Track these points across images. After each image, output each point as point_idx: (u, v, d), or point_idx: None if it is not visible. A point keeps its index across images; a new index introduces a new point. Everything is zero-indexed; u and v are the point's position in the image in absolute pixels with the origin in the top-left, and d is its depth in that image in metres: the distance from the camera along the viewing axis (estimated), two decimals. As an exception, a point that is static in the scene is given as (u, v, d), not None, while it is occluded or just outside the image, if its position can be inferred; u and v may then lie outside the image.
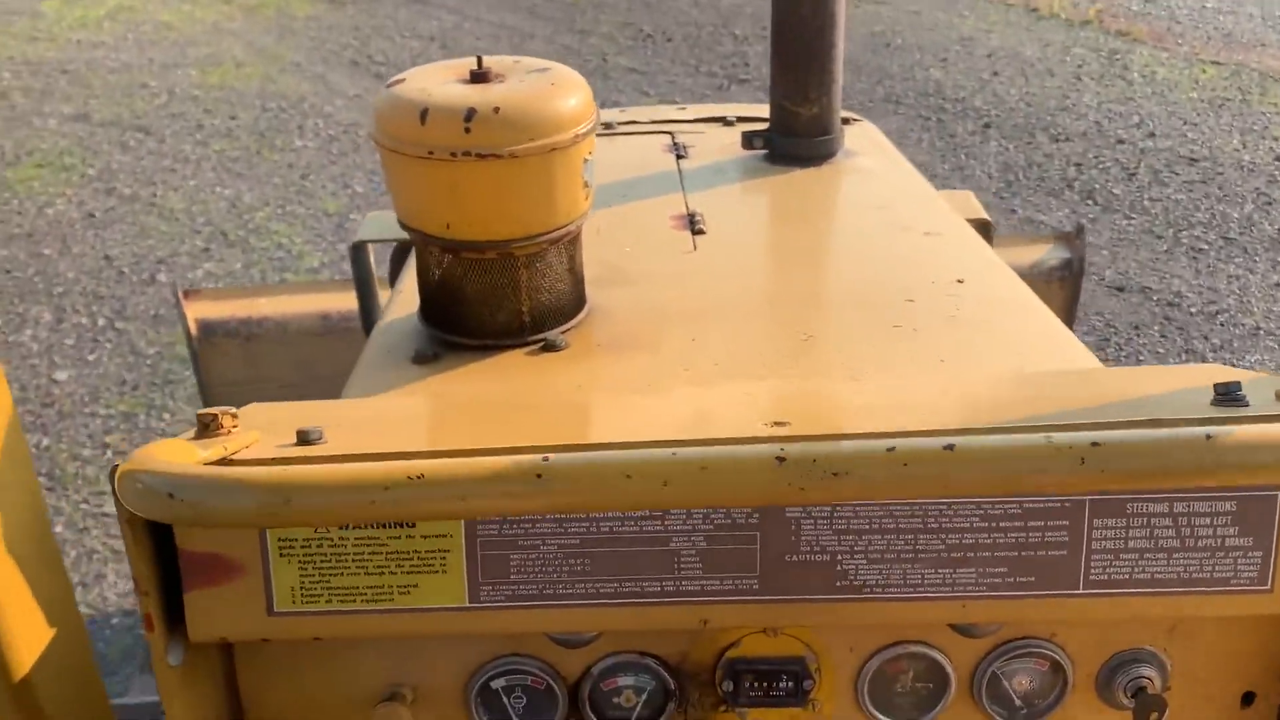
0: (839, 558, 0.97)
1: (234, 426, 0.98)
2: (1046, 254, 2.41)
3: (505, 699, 1.06)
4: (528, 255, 1.26)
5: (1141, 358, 3.73)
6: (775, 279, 1.57)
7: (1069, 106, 5.94)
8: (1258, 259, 4.35)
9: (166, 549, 0.96)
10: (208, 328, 2.28)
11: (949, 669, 1.05)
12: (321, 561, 0.97)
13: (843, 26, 1.84)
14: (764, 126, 1.94)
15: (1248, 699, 1.07)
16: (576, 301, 1.36)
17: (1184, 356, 3.72)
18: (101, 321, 3.94)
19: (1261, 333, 3.85)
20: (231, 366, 2.30)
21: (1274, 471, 0.86)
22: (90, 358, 3.70)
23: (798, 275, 1.56)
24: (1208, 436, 0.85)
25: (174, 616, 0.98)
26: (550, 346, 1.30)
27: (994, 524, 0.96)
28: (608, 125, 2.04)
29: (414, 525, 0.97)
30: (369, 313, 1.87)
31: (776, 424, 0.95)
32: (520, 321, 1.30)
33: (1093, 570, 0.97)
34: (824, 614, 0.99)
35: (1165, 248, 4.47)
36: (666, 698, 1.06)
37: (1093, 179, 5.08)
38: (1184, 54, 6.66)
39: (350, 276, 2.00)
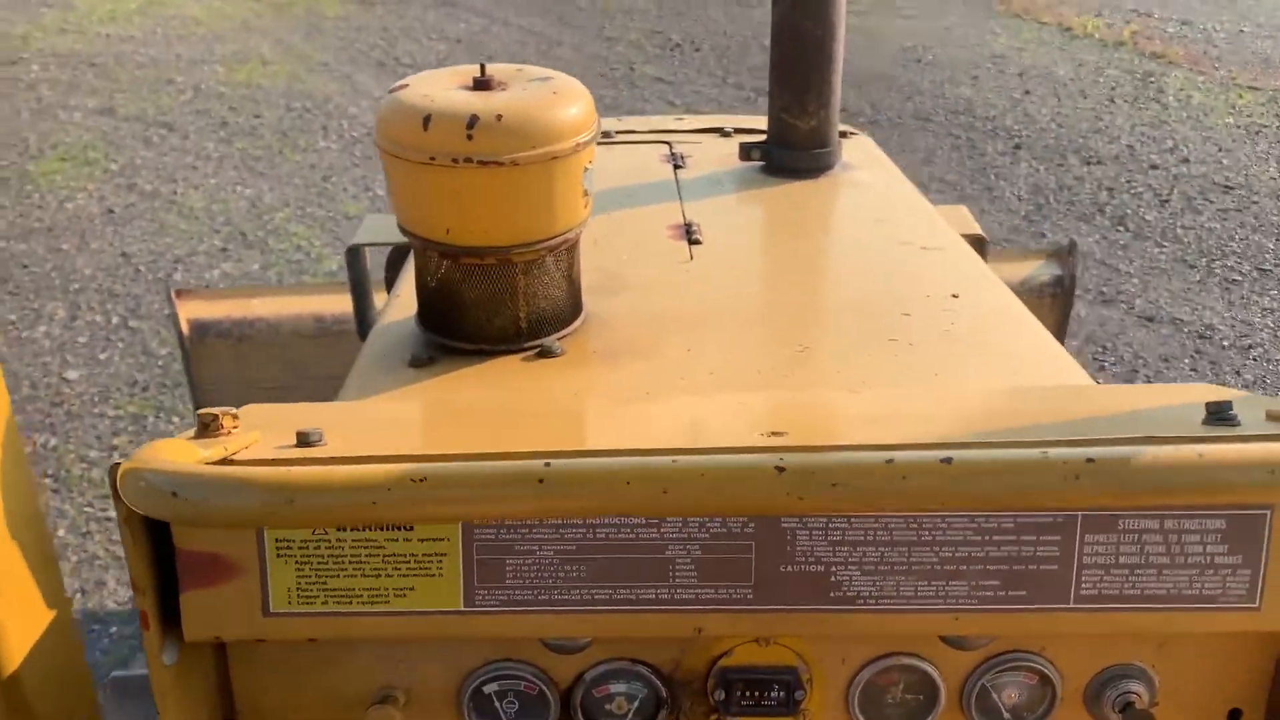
0: (833, 568, 0.98)
1: (235, 427, 0.98)
2: (1038, 270, 2.42)
3: (497, 704, 1.06)
4: (526, 262, 1.27)
5: (1170, 391, 3.63)
6: (771, 290, 1.58)
7: (1101, 129, 5.85)
8: (1292, 292, 4.26)
9: (164, 548, 0.97)
10: (200, 328, 2.28)
11: (939, 681, 1.05)
12: (319, 563, 0.97)
13: (842, 40, 1.85)
14: (761, 138, 1.94)
15: (1234, 716, 1.08)
16: (573, 309, 1.36)
17: (1214, 391, 3.62)
18: (115, 320, 3.92)
19: (1295, 368, 3.76)
20: (223, 367, 2.29)
21: (1266, 491, 0.88)
22: (102, 356, 3.67)
23: (794, 287, 1.57)
24: (1200, 455, 0.86)
25: (169, 615, 0.99)
26: (546, 353, 1.31)
27: (987, 537, 0.97)
28: (606, 134, 2.05)
29: (411, 528, 0.97)
30: (364, 317, 1.87)
31: (773, 434, 0.96)
32: (517, 327, 1.31)
33: (1083, 585, 0.98)
34: (817, 624, 1.00)
35: (1198, 278, 4.37)
36: (658, 706, 1.07)
37: (1124, 204, 4.99)
38: (1220, 78, 6.55)
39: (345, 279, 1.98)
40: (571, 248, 1.32)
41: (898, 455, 0.85)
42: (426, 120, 1.19)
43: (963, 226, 1.91)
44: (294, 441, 0.97)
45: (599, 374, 1.28)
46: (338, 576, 0.98)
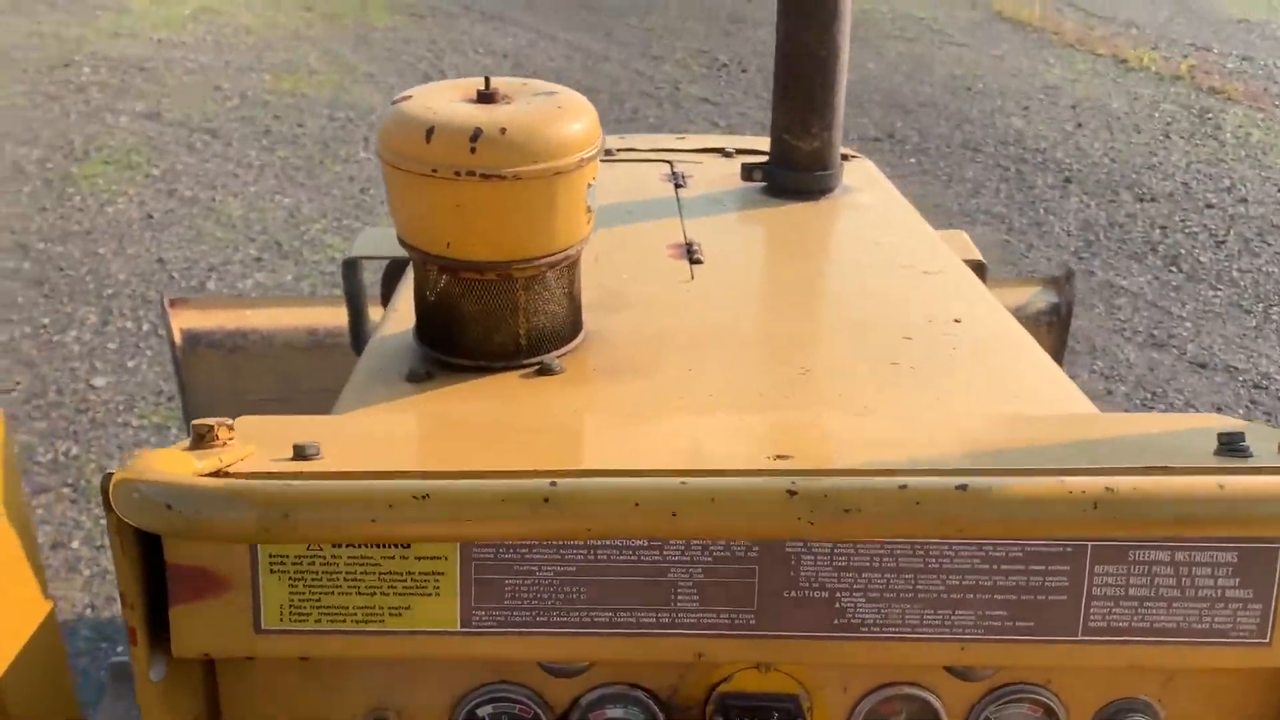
0: (837, 595, 0.96)
1: (230, 438, 0.97)
2: (1035, 298, 2.45)
3: None
4: (527, 277, 1.26)
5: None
6: (772, 311, 1.58)
7: (1156, 165, 5.70)
8: (1353, 341, 4.10)
9: (154, 560, 0.95)
10: (192, 338, 2.26)
11: (942, 712, 1.04)
12: (312, 579, 0.96)
13: (845, 63, 1.86)
14: (763, 159, 1.95)
15: None
16: (573, 326, 1.35)
17: (1268, 443, 3.48)
18: (146, 327, 3.90)
19: (1354, 423, 3.61)
20: (214, 377, 2.27)
21: None
22: (130, 364, 3.65)
23: (795, 308, 1.57)
24: (1220, 486, 0.84)
25: (158, 630, 0.96)
26: (545, 370, 1.29)
27: (995, 566, 0.95)
28: (608, 152, 2.05)
29: (408, 546, 0.96)
30: (359, 330, 1.85)
31: (779, 457, 0.96)
32: (516, 344, 1.29)
33: (1092, 617, 0.96)
34: (820, 651, 0.99)
35: (1254, 324, 4.22)
36: None
37: (1178, 244, 4.85)
38: (1281, 116, 6.39)
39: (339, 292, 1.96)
40: (573, 264, 1.31)
41: (911, 481, 0.84)
42: (429, 132, 1.18)
43: (963, 251, 1.91)
44: (290, 454, 0.96)
45: (599, 392, 1.27)
46: (332, 594, 0.96)
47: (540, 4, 8.23)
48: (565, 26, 7.69)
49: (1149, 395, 3.73)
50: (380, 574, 0.95)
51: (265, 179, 5.23)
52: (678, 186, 1.95)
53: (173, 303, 2.27)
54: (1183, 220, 5.08)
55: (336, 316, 2.10)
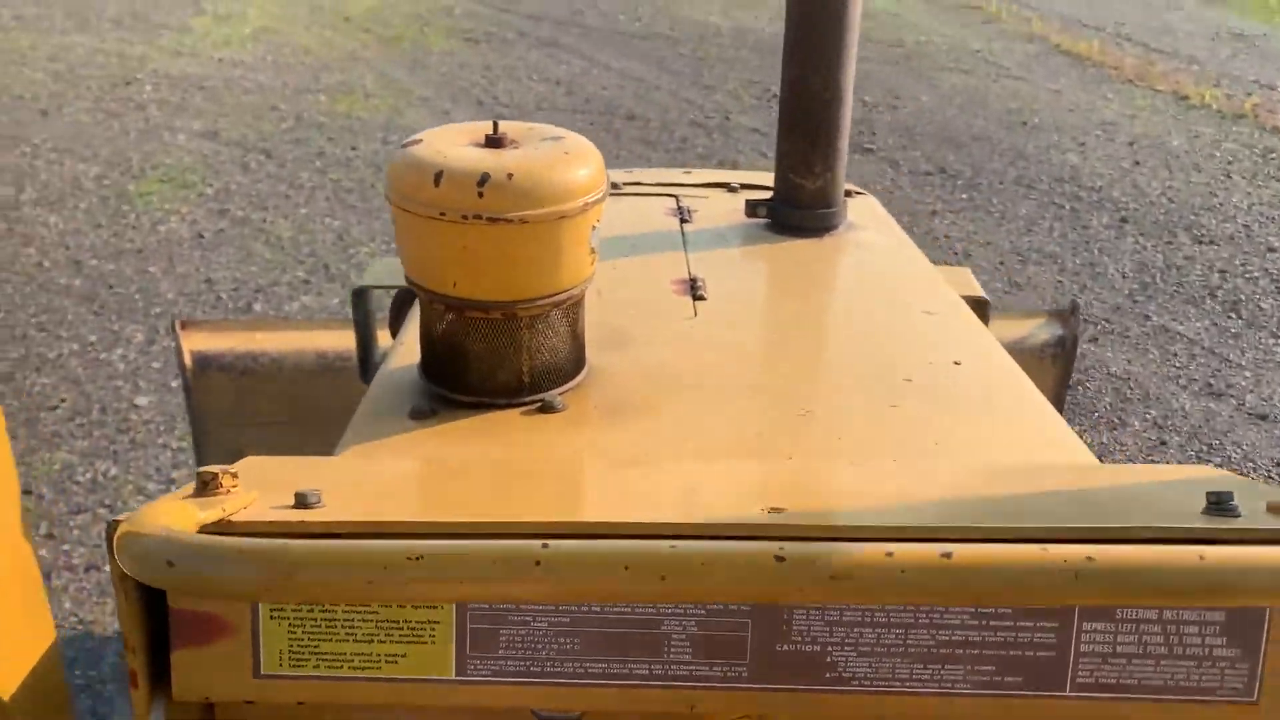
0: (829, 649, 0.98)
1: (234, 486, 0.99)
2: (1040, 329, 2.48)
3: None
4: (531, 317, 1.30)
5: None
6: (775, 350, 1.60)
7: (1216, 206, 5.57)
8: None
9: (157, 603, 0.97)
10: (202, 360, 2.27)
11: None
12: (311, 626, 0.98)
13: (850, 103, 1.89)
14: (768, 195, 1.98)
15: None
16: (576, 363, 1.38)
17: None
18: (191, 347, 3.94)
19: None
20: (223, 400, 2.29)
21: (1266, 595, 0.88)
22: (173, 384, 3.68)
23: (797, 348, 1.59)
24: (1200, 557, 0.86)
25: (159, 673, 0.98)
26: (548, 408, 1.32)
27: (984, 622, 0.97)
28: (614, 186, 2.06)
29: None
30: (367, 358, 1.88)
31: (773, 510, 0.99)
32: (520, 381, 1.32)
33: (1080, 673, 0.98)
34: (812, 704, 1.00)
35: (1315, 374, 4.10)
36: None
37: (1238, 289, 4.72)
38: (1349, 159, 6.22)
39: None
40: (576, 303, 1.34)
41: (897, 548, 0.87)
42: (438, 176, 1.21)
43: (966, 288, 1.93)
44: (292, 502, 0.98)
45: (599, 432, 1.29)
46: (330, 640, 0.98)
47: (595, 31, 8.27)
48: (619, 54, 7.72)
49: (1204, 448, 3.62)
50: (378, 622, 0.98)
51: (316, 201, 5.28)
52: (682, 221, 1.97)
53: (183, 325, 2.29)
54: (1243, 264, 4.95)
55: (345, 340, 2.13)
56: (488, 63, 7.45)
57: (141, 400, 3.58)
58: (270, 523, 0.96)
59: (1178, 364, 4.15)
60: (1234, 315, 4.51)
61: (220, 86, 6.77)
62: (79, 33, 7.63)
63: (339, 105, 6.56)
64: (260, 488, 1.01)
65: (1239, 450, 3.61)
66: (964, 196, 5.62)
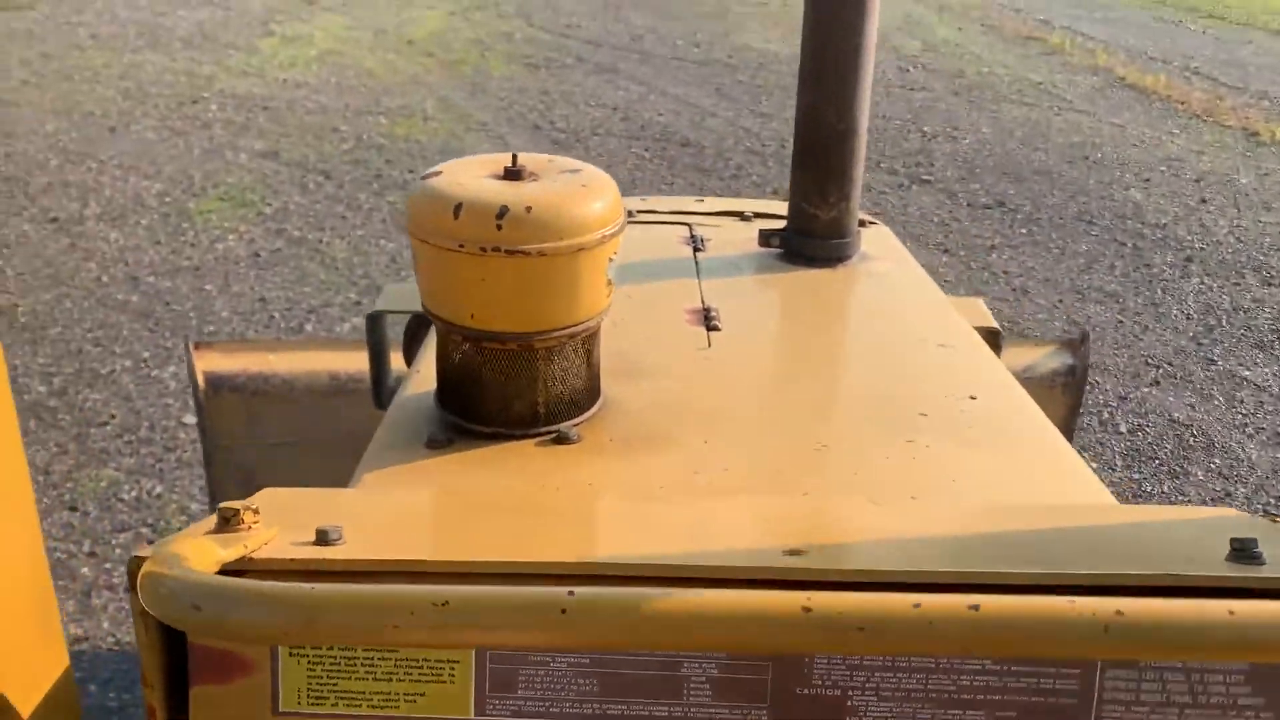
0: (850, 692, 0.98)
1: (255, 522, 1.00)
2: (1050, 358, 2.47)
3: None
4: (547, 348, 1.30)
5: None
6: (789, 383, 1.60)
7: (1286, 247, 5.42)
8: None
9: (176, 639, 0.98)
10: (215, 381, 2.28)
11: None
12: (331, 664, 0.98)
13: (865, 133, 1.89)
14: (781, 224, 1.98)
15: None
16: (591, 394, 1.39)
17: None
18: (242, 366, 3.98)
19: None
20: (236, 421, 2.29)
21: None
22: (223, 403, 3.72)
23: (811, 380, 1.60)
24: (1230, 613, 0.85)
25: (177, 709, 0.99)
26: (563, 439, 1.32)
27: (1006, 668, 0.97)
28: (628, 214, 2.02)
29: None
30: (381, 383, 1.88)
31: (792, 551, 0.99)
32: (535, 412, 1.33)
33: None
34: None
35: (1387, 425, 3.94)
36: None
37: (1306, 333, 4.58)
38: None
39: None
40: (592, 335, 1.35)
41: (924, 599, 0.86)
42: (458, 209, 1.22)
43: (979, 319, 1.93)
44: (313, 539, 0.99)
45: (614, 465, 1.30)
46: (349, 678, 0.98)
47: (654, 57, 8.29)
48: (676, 81, 7.72)
49: (1271, 500, 3.49)
50: (397, 660, 0.98)
51: (372, 223, 5.33)
52: (696, 250, 1.97)
53: (196, 345, 2.30)
54: (1313, 308, 4.80)
55: (357, 361, 2.13)
56: (545, 88, 7.50)
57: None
58: (292, 559, 0.97)
59: (1244, 411, 4.03)
60: (1302, 361, 4.37)
61: (283, 107, 6.88)
62: (150, 51, 7.82)
63: (399, 128, 6.64)
64: (280, 523, 1.01)
65: (1305, 504, 3.49)
66: (1023, 231, 5.53)
